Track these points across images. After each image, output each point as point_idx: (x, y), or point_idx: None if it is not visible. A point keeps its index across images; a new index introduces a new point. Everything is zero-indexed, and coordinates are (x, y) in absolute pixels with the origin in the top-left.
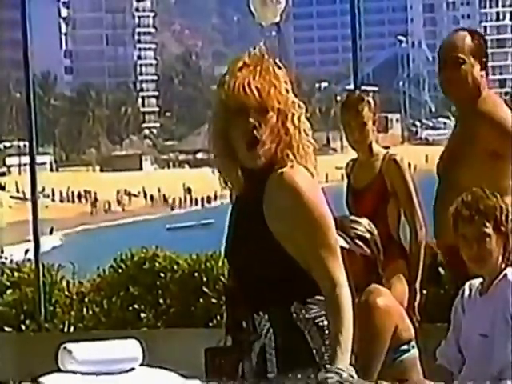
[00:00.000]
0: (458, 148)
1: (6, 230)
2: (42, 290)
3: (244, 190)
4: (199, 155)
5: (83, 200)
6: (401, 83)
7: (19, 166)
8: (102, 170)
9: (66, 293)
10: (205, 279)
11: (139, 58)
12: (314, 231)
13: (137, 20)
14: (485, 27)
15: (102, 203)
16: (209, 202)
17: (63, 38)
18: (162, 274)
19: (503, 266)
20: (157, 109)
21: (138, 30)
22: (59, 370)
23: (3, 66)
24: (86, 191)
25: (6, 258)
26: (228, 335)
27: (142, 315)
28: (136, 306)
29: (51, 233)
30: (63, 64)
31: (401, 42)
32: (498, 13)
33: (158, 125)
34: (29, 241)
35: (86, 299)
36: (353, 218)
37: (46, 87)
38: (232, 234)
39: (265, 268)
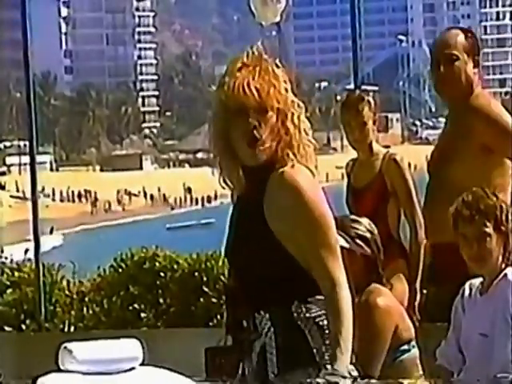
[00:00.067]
0: (450, 145)
1: (6, 230)
2: (43, 290)
3: (245, 189)
4: (199, 155)
5: (83, 200)
6: (401, 83)
7: (19, 165)
8: (102, 170)
9: (67, 292)
10: (205, 279)
11: (139, 57)
12: (314, 230)
13: (137, 20)
14: (485, 27)
15: (102, 203)
16: (209, 201)
17: (63, 37)
18: (162, 274)
19: (503, 265)
20: (157, 108)
21: (138, 29)
22: (59, 370)
23: (3, 66)
24: (86, 191)
25: (6, 258)
26: (228, 335)
27: (142, 315)
28: (136, 306)
29: (51, 232)
30: (63, 64)
31: (401, 41)
32: (498, 12)
33: (158, 124)
34: (29, 240)
35: (87, 299)
36: (353, 217)
37: (46, 87)
38: (233, 233)
39: (266, 267)
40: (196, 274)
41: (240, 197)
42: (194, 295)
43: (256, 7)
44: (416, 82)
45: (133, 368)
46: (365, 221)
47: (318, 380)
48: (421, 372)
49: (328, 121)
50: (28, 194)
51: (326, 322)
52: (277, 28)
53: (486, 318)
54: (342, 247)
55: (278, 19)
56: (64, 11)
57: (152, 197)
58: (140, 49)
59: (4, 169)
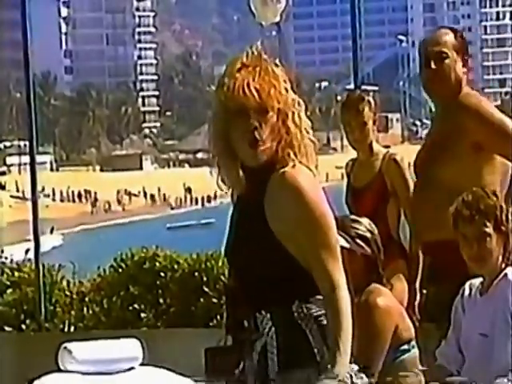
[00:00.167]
0: (440, 144)
1: (6, 230)
2: (43, 290)
3: (245, 190)
4: (199, 155)
5: (83, 200)
6: (401, 83)
7: (19, 165)
8: (102, 170)
9: (67, 292)
10: (205, 279)
11: (139, 57)
12: (315, 230)
13: (137, 20)
14: (485, 27)
15: (102, 203)
16: (209, 201)
17: (63, 37)
18: (162, 274)
19: (503, 265)
20: (157, 108)
21: (138, 29)
22: (59, 370)
23: (3, 66)
24: (86, 191)
25: (6, 258)
26: (228, 335)
27: (142, 315)
28: (136, 306)
29: (52, 232)
30: (63, 64)
31: (401, 41)
32: (498, 12)
33: (158, 124)
34: (29, 240)
35: (87, 299)
36: (353, 217)
37: (46, 87)
38: (233, 234)
39: (266, 267)
40: (196, 274)
41: (240, 197)
42: (194, 295)
43: (256, 7)
44: (416, 82)
45: (133, 368)
46: (365, 221)
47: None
48: (421, 372)
49: (328, 121)
50: (28, 194)
51: (326, 322)
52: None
53: (486, 318)
54: (342, 247)
55: (277, 19)
56: (64, 11)
57: (152, 197)
58: (140, 49)
59: (4, 169)
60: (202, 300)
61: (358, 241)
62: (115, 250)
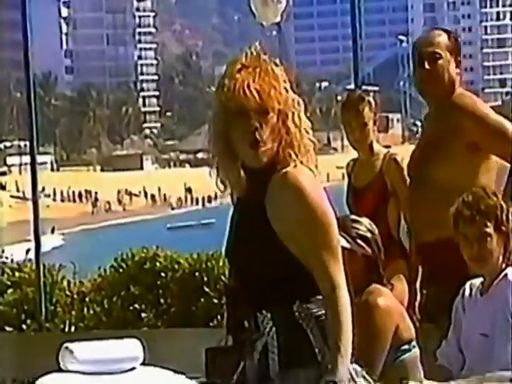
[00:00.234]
0: (433, 144)
1: (6, 230)
2: (43, 290)
3: (246, 190)
4: (200, 155)
5: (84, 200)
6: (401, 83)
7: (20, 165)
8: (102, 170)
9: (67, 292)
10: (206, 279)
11: (140, 57)
12: (316, 230)
13: (137, 20)
14: (485, 27)
15: (102, 203)
16: (209, 201)
17: (64, 37)
18: (162, 274)
19: (504, 265)
20: (157, 108)
21: (138, 29)
22: (60, 370)
23: (4, 66)
24: (86, 191)
25: (6, 258)
26: (229, 335)
27: (143, 315)
28: (137, 306)
29: (52, 232)
30: (64, 64)
31: (401, 41)
32: (498, 12)
33: (158, 125)
34: (29, 240)
35: (87, 299)
36: (354, 217)
37: (46, 87)
38: (233, 234)
39: (268, 268)
40: (197, 274)
41: (240, 198)
42: (194, 295)
43: (256, 7)
44: None
45: (133, 368)
46: (365, 221)
47: None
48: (421, 372)
49: (328, 121)
50: (28, 194)
51: (327, 322)
52: (277, 28)
53: (487, 318)
54: (342, 247)
55: (278, 19)
56: (64, 11)
57: (153, 197)
58: (140, 49)
59: (5, 169)
60: (202, 300)
61: (359, 241)
62: (116, 250)
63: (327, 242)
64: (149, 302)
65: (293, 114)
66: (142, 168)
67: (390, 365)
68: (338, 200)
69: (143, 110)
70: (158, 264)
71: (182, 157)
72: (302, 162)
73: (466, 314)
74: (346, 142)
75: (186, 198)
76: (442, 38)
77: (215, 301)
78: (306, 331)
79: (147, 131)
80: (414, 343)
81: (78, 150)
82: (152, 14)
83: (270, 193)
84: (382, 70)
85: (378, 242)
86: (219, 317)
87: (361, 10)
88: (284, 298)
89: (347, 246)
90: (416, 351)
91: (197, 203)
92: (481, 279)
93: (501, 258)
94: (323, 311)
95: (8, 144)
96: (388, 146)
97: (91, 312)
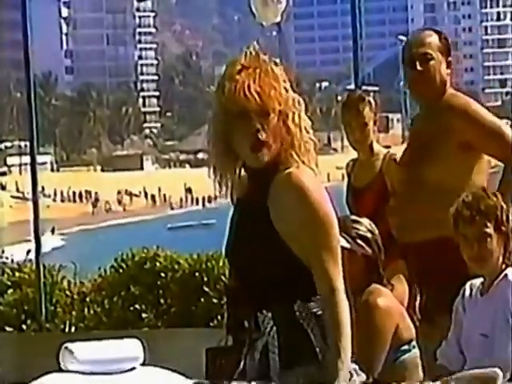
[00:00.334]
0: (424, 145)
1: (6, 230)
2: (43, 290)
3: (247, 191)
4: (200, 155)
5: (84, 200)
6: (402, 83)
7: (20, 165)
8: (102, 170)
9: (67, 293)
10: (206, 279)
11: (140, 57)
12: (318, 230)
13: (137, 20)
14: (485, 27)
15: (102, 203)
16: (209, 201)
17: (64, 38)
18: (162, 274)
19: (504, 266)
20: (157, 109)
21: (138, 29)
22: (60, 370)
23: (4, 66)
24: (86, 191)
25: (6, 258)
26: (229, 335)
27: (143, 315)
28: (137, 306)
29: (53, 232)
30: (64, 64)
31: (402, 41)
32: (498, 13)
33: (158, 125)
34: (30, 241)
35: (87, 299)
36: (354, 217)
37: (46, 87)
38: (234, 234)
39: (270, 268)
40: (197, 274)
41: (240, 198)
42: (194, 295)
43: (256, 7)
44: None
45: (133, 368)
46: (365, 221)
47: None
48: (421, 372)
49: (329, 121)
50: (29, 195)
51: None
52: (277, 28)
53: (487, 319)
54: (342, 247)
55: (278, 19)
56: (64, 11)
57: (153, 197)
58: (141, 49)
59: (5, 169)
60: (202, 300)
61: (359, 241)
62: (116, 250)
63: (328, 242)
64: (149, 302)
65: (293, 113)
66: (142, 168)
67: (389, 365)
68: (338, 200)
69: (143, 110)
70: (158, 264)
71: (182, 157)
72: (303, 162)
73: (466, 314)
74: (346, 143)
75: (186, 198)
76: (433, 39)
77: (215, 301)
78: (307, 331)
79: (147, 131)
80: (413, 343)
81: (78, 150)
82: (152, 14)
83: (272, 194)
84: (382, 69)
85: (378, 242)
86: (219, 317)
87: (361, 10)
88: (285, 297)
89: (347, 246)
90: (416, 351)
91: (197, 203)
92: (481, 279)
93: (501, 259)
94: None
95: (8, 144)
96: (388, 146)
97: (91, 312)
